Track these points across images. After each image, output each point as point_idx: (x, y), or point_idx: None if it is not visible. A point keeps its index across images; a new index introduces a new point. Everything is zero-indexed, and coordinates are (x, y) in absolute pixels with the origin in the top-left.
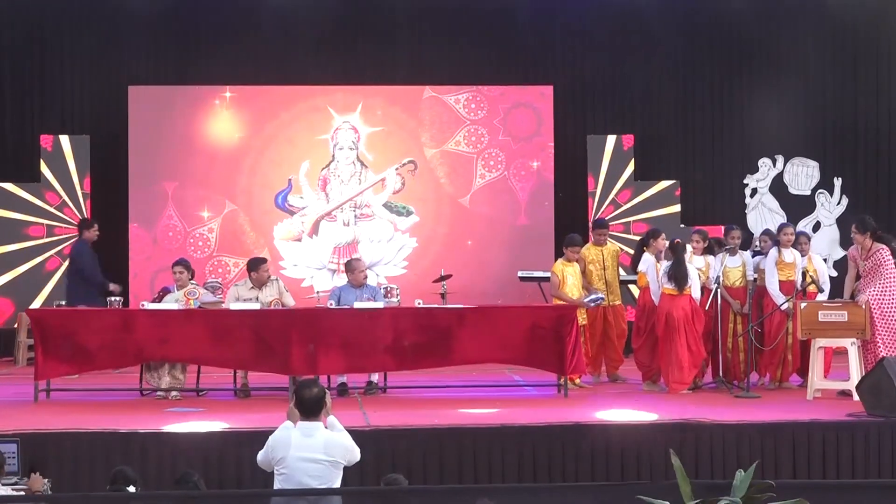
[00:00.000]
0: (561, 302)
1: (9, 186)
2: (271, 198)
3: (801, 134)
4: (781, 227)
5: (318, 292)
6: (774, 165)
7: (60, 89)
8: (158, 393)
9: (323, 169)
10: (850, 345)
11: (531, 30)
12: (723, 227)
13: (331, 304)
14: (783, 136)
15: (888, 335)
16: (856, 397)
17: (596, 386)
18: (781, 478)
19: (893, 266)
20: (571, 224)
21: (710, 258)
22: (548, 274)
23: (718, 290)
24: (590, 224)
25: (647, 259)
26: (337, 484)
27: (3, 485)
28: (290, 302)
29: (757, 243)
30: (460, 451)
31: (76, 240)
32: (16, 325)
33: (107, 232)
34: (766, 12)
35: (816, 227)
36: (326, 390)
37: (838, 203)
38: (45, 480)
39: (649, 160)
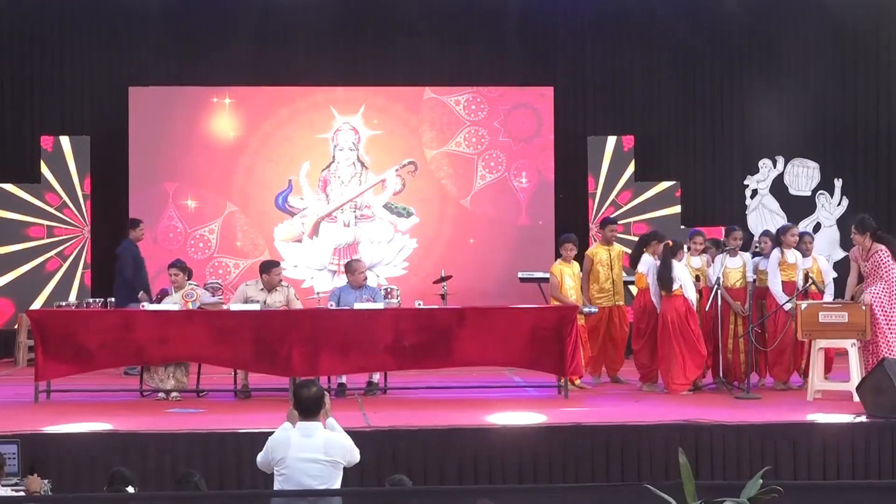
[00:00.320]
0: (560, 303)
1: (9, 187)
2: (271, 199)
3: (801, 135)
4: (786, 228)
5: (318, 293)
6: (775, 166)
7: (60, 89)
8: (160, 395)
9: (323, 170)
10: (851, 346)
11: (531, 30)
12: (723, 228)
13: (331, 305)
14: (783, 137)
15: (893, 335)
16: (856, 398)
17: (596, 387)
18: (781, 479)
19: (893, 265)
20: (572, 225)
21: (708, 258)
22: (548, 275)
23: (719, 291)
24: (591, 224)
25: (647, 260)
26: (337, 484)
27: (3, 485)
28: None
29: (757, 244)
30: (460, 452)
31: (124, 239)
32: (16, 326)
33: (107, 233)
34: (767, 12)
35: (817, 227)
36: (325, 391)
37: (839, 204)
38: (45, 481)
39: (649, 161)
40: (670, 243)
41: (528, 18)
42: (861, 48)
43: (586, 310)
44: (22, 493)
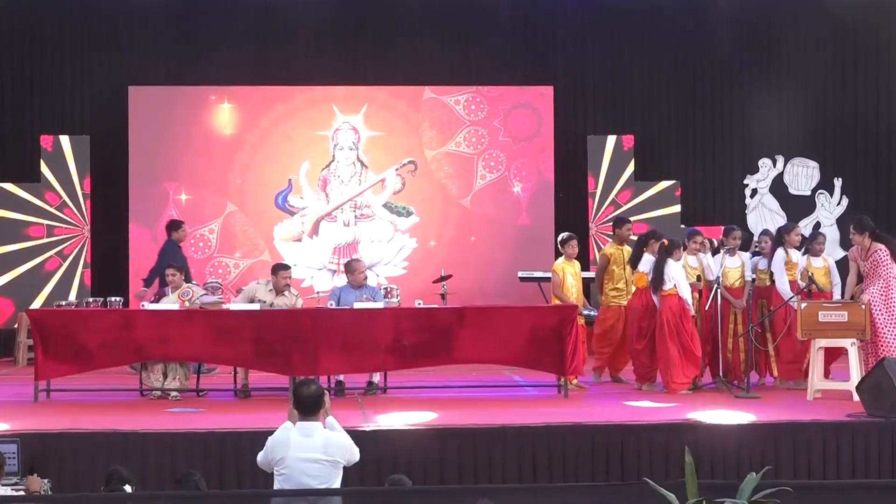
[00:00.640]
0: (561, 302)
1: (9, 186)
2: (271, 198)
3: (801, 134)
4: (790, 228)
5: (318, 293)
6: (774, 166)
7: (60, 89)
8: (155, 392)
9: (323, 169)
10: (850, 345)
11: (531, 30)
12: (723, 228)
13: (331, 305)
14: (783, 137)
15: (892, 334)
16: (856, 398)
17: (596, 386)
18: (781, 479)
19: (892, 264)
20: (572, 224)
21: (704, 257)
22: (548, 274)
23: (718, 290)
24: (591, 224)
25: (648, 260)
26: (337, 484)
27: (3, 485)
28: None
29: (756, 244)
30: (460, 452)
31: (166, 240)
32: (16, 326)
33: (107, 232)
34: (767, 12)
35: (816, 227)
36: (325, 390)
37: (838, 203)
38: (45, 481)
39: (649, 160)
40: (665, 242)
41: (528, 18)
42: (861, 48)
43: (586, 311)
44: (22, 493)
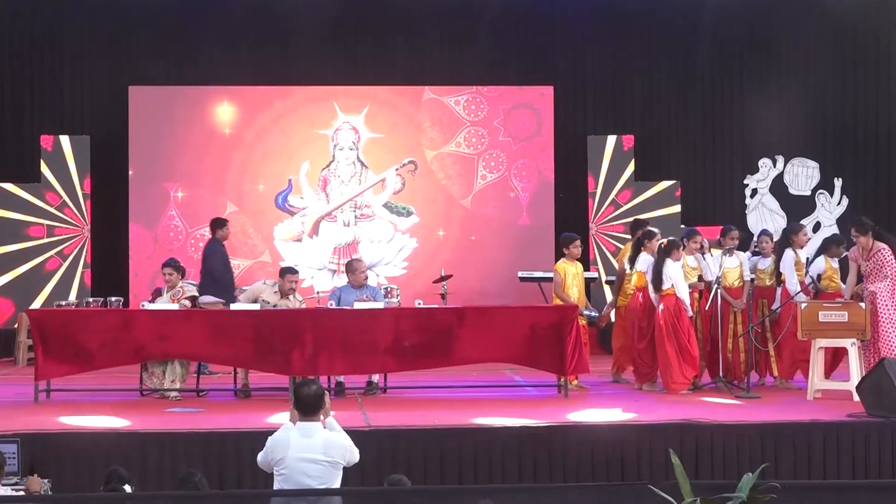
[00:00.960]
0: (562, 301)
1: (9, 186)
2: (272, 198)
3: (801, 134)
4: (797, 228)
5: (318, 293)
6: (774, 166)
7: (60, 89)
8: (155, 391)
9: (323, 169)
10: (851, 345)
11: (531, 30)
12: (721, 228)
13: (331, 305)
14: (783, 137)
15: (894, 334)
16: (856, 398)
17: (596, 386)
18: (782, 479)
19: None
20: (572, 224)
21: (702, 257)
22: (548, 274)
23: (718, 290)
24: (591, 224)
25: (647, 259)
26: (336, 484)
27: (3, 485)
28: None
29: (756, 244)
30: (460, 452)
31: (209, 239)
32: (16, 326)
33: (107, 232)
34: (766, 12)
35: (816, 227)
36: (325, 391)
37: (838, 203)
38: (45, 481)
39: (649, 160)
40: (664, 243)
41: (528, 18)
42: (861, 48)
43: (587, 312)
44: (22, 493)
